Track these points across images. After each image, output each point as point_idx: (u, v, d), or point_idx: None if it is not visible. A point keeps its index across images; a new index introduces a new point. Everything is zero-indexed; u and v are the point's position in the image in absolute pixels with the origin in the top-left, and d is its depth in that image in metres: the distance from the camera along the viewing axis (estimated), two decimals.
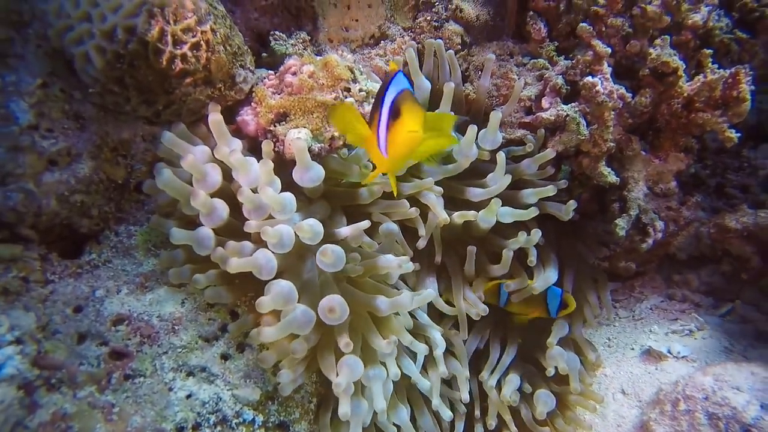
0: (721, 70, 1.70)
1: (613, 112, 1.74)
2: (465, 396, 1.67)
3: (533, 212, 1.71)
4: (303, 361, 1.38)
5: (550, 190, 1.77)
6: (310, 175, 1.40)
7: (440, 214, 1.63)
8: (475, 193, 1.74)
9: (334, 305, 1.29)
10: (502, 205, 1.67)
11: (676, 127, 1.83)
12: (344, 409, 1.30)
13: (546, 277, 1.79)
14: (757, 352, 1.94)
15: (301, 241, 1.35)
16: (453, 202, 1.76)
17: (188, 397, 1.32)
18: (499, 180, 1.69)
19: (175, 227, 1.36)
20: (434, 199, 1.65)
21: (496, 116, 1.72)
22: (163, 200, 1.45)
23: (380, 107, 1.08)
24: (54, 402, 1.15)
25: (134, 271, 1.45)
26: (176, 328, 1.38)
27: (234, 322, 1.43)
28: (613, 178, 1.85)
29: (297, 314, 1.30)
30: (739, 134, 1.70)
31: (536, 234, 1.70)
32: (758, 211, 2.06)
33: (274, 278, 1.32)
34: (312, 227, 1.30)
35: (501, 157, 1.69)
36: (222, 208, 1.34)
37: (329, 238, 1.42)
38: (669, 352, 1.97)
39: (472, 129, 1.67)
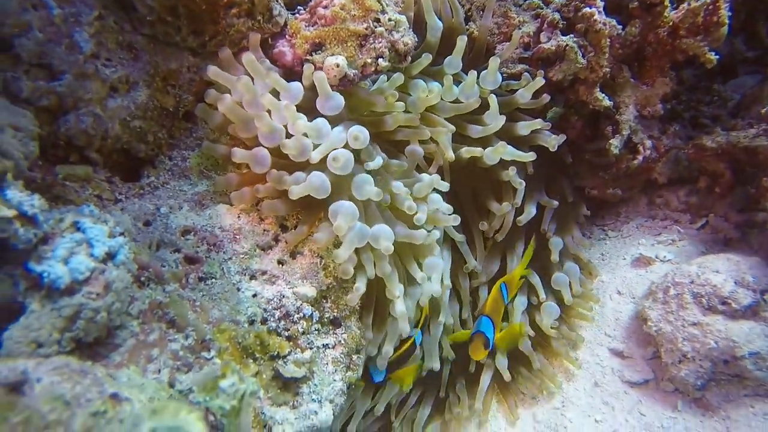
0: None
1: (608, 40, 1.94)
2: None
3: (530, 156, 1.93)
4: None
5: (537, 123, 1.98)
6: (330, 103, 1.55)
7: (448, 153, 1.82)
8: (475, 130, 1.93)
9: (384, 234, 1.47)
10: (502, 139, 1.88)
11: (662, 54, 2.04)
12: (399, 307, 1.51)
13: (528, 212, 2.03)
14: None
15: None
16: (457, 136, 1.95)
17: (254, 296, 1.49)
18: (494, 120, 1.88)
19: (236, 149, 1.48)
20: (444, 139, 1.83)
21: (495, 61, 1.89)
22: (215, 123, 1.58)
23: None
24: (147, 295, 1.30)
25: (191, 191, 1.59)
26: (237, 237, 1.53)
27: (286, 233, 1.60)
28: (607, 102, 2.06)
29: (357, 229, 1.47)
30: (717, 56, 1.93)
31: (512, 171, 1.93)
32: (729, 132, 2.32)
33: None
34: (361, 132, 1.46)
35: (492, 99, 1.88)
36: (281, 130, 1.48)
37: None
38: (656, 257, 2.23)
39: (472, 74, 1.85)
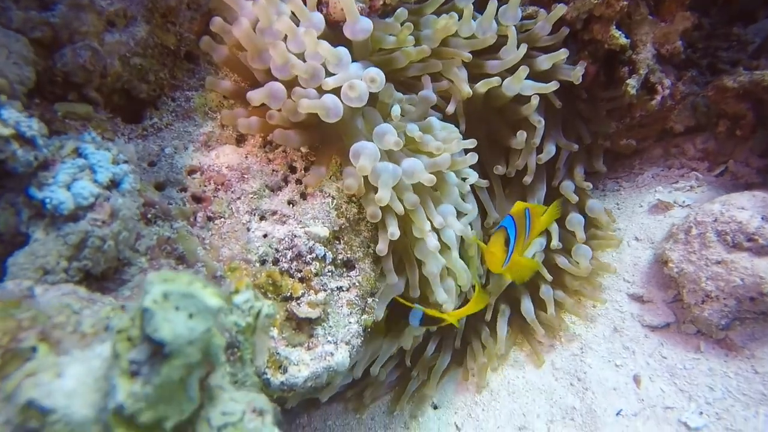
0: None
1: None
2: None
3: (553, 86, 1.83)
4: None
5: (562, 53, 1.89)
6: (360, 26, 1.48)
7: (464, 89, 1.74)
8: (493, 65, 1.85)
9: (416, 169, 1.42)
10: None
11: None
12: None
13: (548, 151, 1.95)
14: None
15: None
16: (473, 77, 1.87)
17: (265, 236, 1.44)
18: (512, 52, 1.79)
19: (251, 90, 1.42)
20: (458, 74, 1.75)
21: None
22: (220, 57, 1.52)
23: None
24: (155, 232, 1.26)
25: (196, 132, 1.53)
26: (245, 177, 1.48)
27: (295, 174, 1.54)
28: (623, 40, 1.98)
29: (391, 170, 1.42)
30: None
31: (535, 99, 1.84)
32: (753, 72, 2.23)
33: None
34: (378, 75, 1.40)
35: (512, 30, 1.79)
36: (295, 59, 1.40)
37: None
38: (674, 202, 2.17)
39: (492, 4, 1.76)
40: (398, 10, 1.63)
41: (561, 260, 1.92)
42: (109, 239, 1.05)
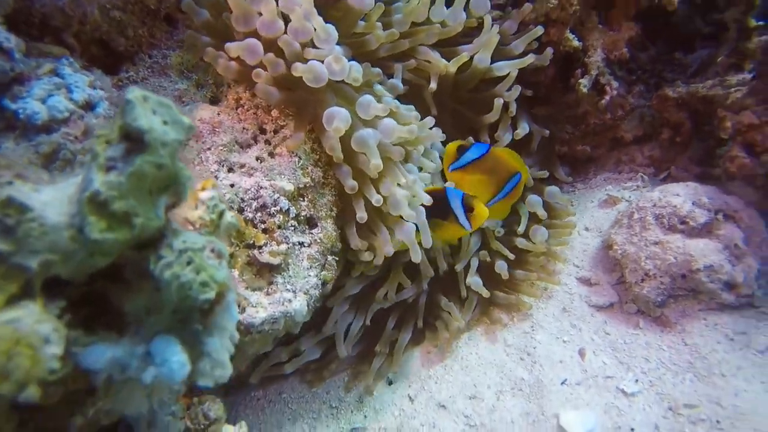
0: None
1: None
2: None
3: (529, 58, 1.98)
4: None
5: (538, 30, 2.03)
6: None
7: (440, 61, 1.87)
8: (466, 48, 1.98)
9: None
10: (486, 82, 1.94)
11: (628, 0, 2.16)
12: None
13: (523, 127, 2.09)
14: None
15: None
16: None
17: (232, 185, 1.49)
18: (486, 33, 1.93)
19: (229, 43, 1.49)
20: (432, 54, 1.88)
21: None
22: (200, 21, 1.59)
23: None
24: None
25: (171, 87, 1.59)
26: (216, 130, 1.54)
27: (264, 134, 1.61)
28: (576, 42, 2.17)
29: (372, 135, 1.52)
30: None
31: (516, 90, 1.98)
32: (689, 84, 2.46)
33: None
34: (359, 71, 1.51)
35: (487, 18, 1.95)
36: (281, 22, 1.49)
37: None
38: (622, 197, 2.33)
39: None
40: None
41: (519, 240, 2.02)
42: (80, 154, 1.09)
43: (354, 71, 1.52)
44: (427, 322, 2.05)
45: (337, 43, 1.61)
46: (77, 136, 1.08)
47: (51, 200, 0.56)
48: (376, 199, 1.53)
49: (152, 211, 0.56)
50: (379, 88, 1.77)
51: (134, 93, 0.52)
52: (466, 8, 1.93)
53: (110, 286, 0.60)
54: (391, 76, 1.90)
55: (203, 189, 0.91)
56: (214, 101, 1.64)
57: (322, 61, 1.49)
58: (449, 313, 1.94)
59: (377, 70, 1.78)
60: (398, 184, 1.57)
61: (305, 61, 1.51)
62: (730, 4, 2.54)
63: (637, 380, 1.71)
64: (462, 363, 1.97)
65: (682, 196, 1.87)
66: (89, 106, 1.12)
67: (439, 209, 1.72)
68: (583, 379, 1.78)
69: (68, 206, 0.55)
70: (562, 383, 1.78)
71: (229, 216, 0.98)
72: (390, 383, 2.01)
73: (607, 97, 2.27)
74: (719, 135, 2.06)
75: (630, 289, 1.92)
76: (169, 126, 0.54)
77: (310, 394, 1.99)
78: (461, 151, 1.87)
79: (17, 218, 0.53)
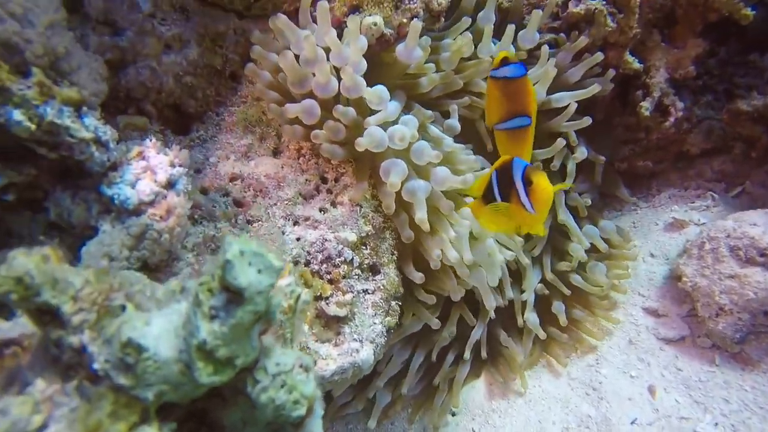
0: None
1: (638, 0, 1.97)
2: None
3: (594, 89, 1.92)
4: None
5: (598, 57, 1.95)
6: (415, 53, 1.63)
7: None
8: None
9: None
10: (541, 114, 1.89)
11: (694, 15, 2.06)
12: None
13: (581, 151, 2.04)
14: None
15: None
16: None
17: (298, 239, 1.56)
18: (543, 65, 1.89)
19: (288, 104, 1.56)
20: (483, 86, 1.88)
21: (537, 14, 1.91)
22: (264, 82, 1.67)
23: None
24: (200, 231, 1.39)
25: (237, 143, 1.68)
26: (281, 185, 1.62)
27: (326, 183, 1.67)
28: (637, 65, 2.09)
29: (423, 188, 1.55)
30: (754, 11, 1.93)
31: (583, 122, 1.92)
32: (766, 96, 2.30)
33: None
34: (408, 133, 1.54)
35: (545, 49, 1.91)
36: (335, 81, 1.54)
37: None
38: (690, 220, 2.23)
39: (510, 27, 1.89)
40: (422, 38, 1.76)
41: (575, 278, 1.98)
42: (165, 233, 1.18)
43: (408, 132, 1.54)
44: (489, 353, 2.05)
45: (390, 89, 1.65)
46: (162, 215, 1.18)
47: (161, 333, 0.62)
48: (435, 254, 1.55)
49: (249, 346, 0.62)
50: (434, 129, 1.79)
51: (233, 250, 0.58)
52: (514, 42, 1.90)
53: (209, 402, 0.67)
54: (445, 114, 1.92)
55: (282, 276, 0.97)
56: (277, 152, 1.71)
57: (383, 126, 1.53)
58: (507, 348, 1.94)
59: (430, 112, 1.80)
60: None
61: (362, 128, 1.55)
62: None
63: (716, 423, 1.64)
64: (526, 397, 1.96)
65: (761, 225, 1.77)
66: (170, 185, 1.21)
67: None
68: (654, 420, 1.73)
69: (176, 339, 0.62)
70: (632, 423, 1.75)
71: (304, 295, 1.04)
72: (453, 414, 2.04)
73: (672, 119, 2.18)
74: None
75: (703, 323, 1.85)
76: (263, 274, 0.59)
77: (376, 427, 2.05)
78: (504, 62, 1.60)
79: (136, 357, 0.60)
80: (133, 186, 1.16)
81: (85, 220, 1.17)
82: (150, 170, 1.19)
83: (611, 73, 2.02)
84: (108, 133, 1.14)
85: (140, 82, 1.51)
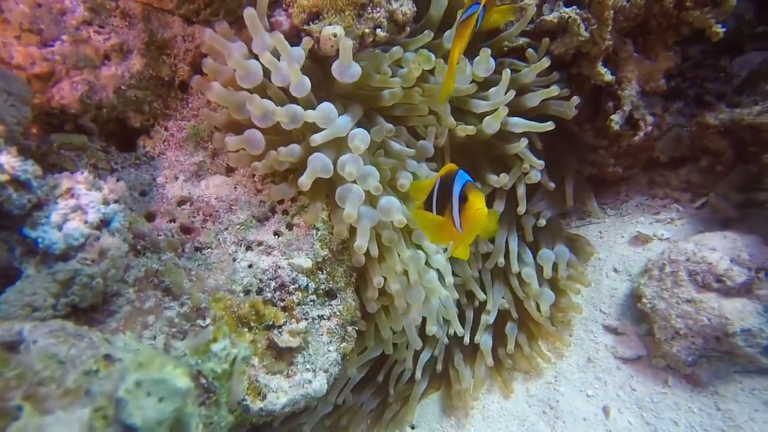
0: None
1: (612, 12, 1.90)
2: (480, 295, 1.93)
3: (549, 126, 1.88)
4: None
5: (553, 90, 1.93)
6: (351, 71, 1.53)
7: (448, 119, 1.79)
8: (479, 105, 1.87)
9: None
10: (510, 115, 1.83)
11: (667, 27, 2.00)
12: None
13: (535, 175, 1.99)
14: None
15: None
16: (459, 112, 1.91)
17: (250, 266, 1.50)
18: (501, 95, 1.83)
19: (228, 136, 1.47)
20: (443, 110, 1.80)
21: (485, 52, 1.80)
22: (212, 95, 1.56)
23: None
24: (143, 263, 1.31)
25: (187, 161, 1.59)
26: (233, 208, 1.54)
27: (282, 204, 1.60)
28: (609, 76, 2.03)
29: (371, 216, 1.50)
30: (724, 28, 1.89)
31: (523, 142, 1.87)
32: (733, 110, 2.29)
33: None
34: (362, 141, 1.46)
35: (506, 73, 1.82)
36: (273, 108, 1.45)
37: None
38: (654, 235, 2.23)
39: (463, 61, 1.78)
40: (393, 49, 1.67)
41: (528, 302, 1.97)
42: (97, 277, 1.10)
43: (354, 170, 1.45)
44: (447, 369, 2.04)
45: (351, 100, 1.55)
46: (94, 259, 1.10)
47: None
48: (376, 281, 1.51)
49: None
50: (395, 145, 1.71)
51: (126, 385, 0.52)
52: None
53: None
54: (410, 128, 1.84)
55: (215, 340, 0.91)
56: (231, 170, 1.63)
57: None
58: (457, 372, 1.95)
59: (390, 126, 1.72)
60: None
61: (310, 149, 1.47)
62: None
63: None
64: (484, 413, 1.97)
65: (719, 251, 1.78)
66: (104, 223, 1.13)
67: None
68: None
69: None
70: None
71: (242, 352, 0.99)
72: (413, 428, 2.04)
73: (641, 133, 2.15)
74: (764, 180, 1.92)
75: (659, 345, 1.86)
76: (165, 402, 0.54)
77: None
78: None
79: None
80: (60, 228, 1.07)
81: (7, 261, 1.09)
82: (80, 210, 1.10)
83: (575, 100, 1.96)
84: (29, 170, 1.05)
85: (76, 98, 1.40)
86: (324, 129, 1.45)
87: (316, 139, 1.42)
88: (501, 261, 1.96)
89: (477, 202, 1.23)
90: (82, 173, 1.16)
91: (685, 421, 1.73)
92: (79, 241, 1.08)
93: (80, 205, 1.10)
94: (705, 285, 1.76)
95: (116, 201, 1.17)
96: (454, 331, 1.81)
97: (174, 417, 0.55)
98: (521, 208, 1.97)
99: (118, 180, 1.22)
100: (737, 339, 1.68)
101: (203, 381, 0.88)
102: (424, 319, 1.67)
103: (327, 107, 1.46)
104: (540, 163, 1.91)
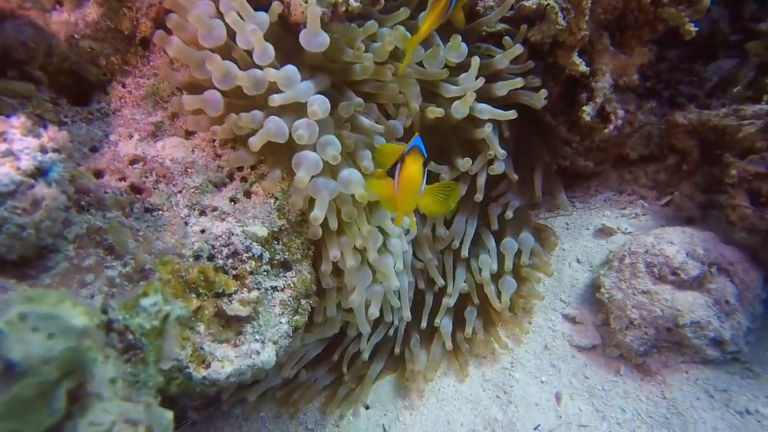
0: None
1: (590, 2, 1.89)
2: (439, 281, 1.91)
3: (512, 114, 1.86)
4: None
5: (518, 82, 1.92)
6: (318, 40, 1.48)
7: (412, 104, 1.77)
8: (448, 89, 1.84)
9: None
10: (480, 101, 1.82)
11: (644, 22, 2.01)
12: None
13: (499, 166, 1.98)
14: None
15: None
16: (430, 94, 1.88)
17: (202, 231, 1.45)
18: (471, 81, 1.81)
19: (186, 95, 1.41)
20: (411, 90, 1.77)
21: (456, 38, 1.77)
22: (173, 51, 1.50)
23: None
24: (86, 220, 1.25)
25: (144, 120, 1.52)
26: (189, 171, 1.48)
27: (241, 171, 1.55)
28: (583, 67, 2.03)
29: (331, 188, 1.45)
30: (697, 27, 1.90)
31: (488, 128, 1.85)
32: (702, 111, 2.32)
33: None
34: (320, 107, 1.41)
35: (475, 61, 1.80)
36: (235, 72, 1.40)
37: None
38: (618, 228, 2.25)
39: (438, 47, 1.76)
40: (368, 23, 1.63)
41: (488, 288, 1.97)
42: (29, 227, 1.05)
43: (305, 135, 1.41)
44: (404, 350, 2.03)
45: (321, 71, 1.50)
46: (25, 208, 1.04)
47: None
48: (332, 254, 1.48)
49: (45, 414, 0.53)
50: (364, 120, 1.68)
51: (9, 316, 0.48)
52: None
53: None
54: (381, 106, 1.81)
55: (145, 295, 0.87)
56: (190, 133, 1.57)
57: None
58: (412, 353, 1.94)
59: (360, 100, 1.68)
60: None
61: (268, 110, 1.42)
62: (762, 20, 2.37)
63: (610, 431, 1.69)
64: (438, 395, 1.97)
65: (677, 245, 1.79)
66: (40, 172, 1.07)
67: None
68: (556, 426, 1.77)
69: None
70: (535, 428, 1.78)
71: (178, 311, 0.95)
72: (367, 407, 2.02)
73: (611, 126, 2.15)
74: (725, 180, 1.95)
75: (614, 334, 1.88)
76: (55, 338, 0.50)
77: (287, 415, 2.01)
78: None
79: None
80: None
81: None
82: (13, 155, 1.04)
83: (544, 92, 1.96)
84: None
85: (21, 42, 1.32)
86: (285, 92, 1.41)
87: (276, 98, 1.38)
88: (463, 245, 1.95)
89: (411, 166, 1.24)
90: (18, 118, 1.09)
91: (632, 408, 1.76)
92: (8, 187, 1.02)
93: (12, 150, 1.04)
94: (661, 277, 1.78)
95: (56, 150, 1.11)
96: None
97: (68, 357, 0.51)
98: (478, 196, 1.96)
99: (59, 130, 1.16)
100: (686, 330, 1.70)
101: (130, 337, 0.84)
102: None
103: (290, 69, 1.41)
104: (502, 153, 1.90)
